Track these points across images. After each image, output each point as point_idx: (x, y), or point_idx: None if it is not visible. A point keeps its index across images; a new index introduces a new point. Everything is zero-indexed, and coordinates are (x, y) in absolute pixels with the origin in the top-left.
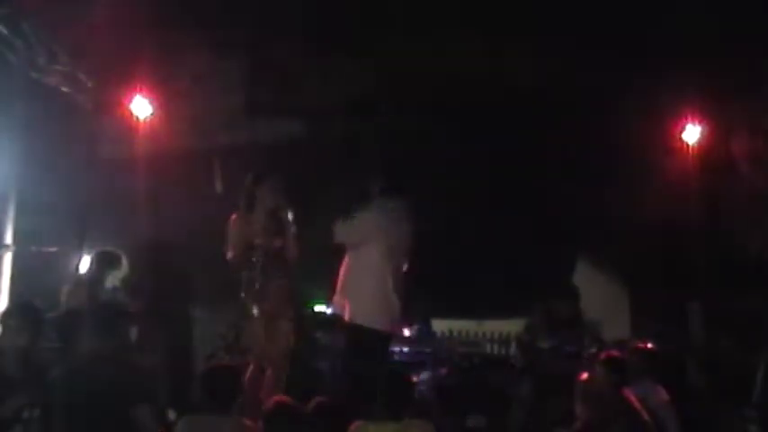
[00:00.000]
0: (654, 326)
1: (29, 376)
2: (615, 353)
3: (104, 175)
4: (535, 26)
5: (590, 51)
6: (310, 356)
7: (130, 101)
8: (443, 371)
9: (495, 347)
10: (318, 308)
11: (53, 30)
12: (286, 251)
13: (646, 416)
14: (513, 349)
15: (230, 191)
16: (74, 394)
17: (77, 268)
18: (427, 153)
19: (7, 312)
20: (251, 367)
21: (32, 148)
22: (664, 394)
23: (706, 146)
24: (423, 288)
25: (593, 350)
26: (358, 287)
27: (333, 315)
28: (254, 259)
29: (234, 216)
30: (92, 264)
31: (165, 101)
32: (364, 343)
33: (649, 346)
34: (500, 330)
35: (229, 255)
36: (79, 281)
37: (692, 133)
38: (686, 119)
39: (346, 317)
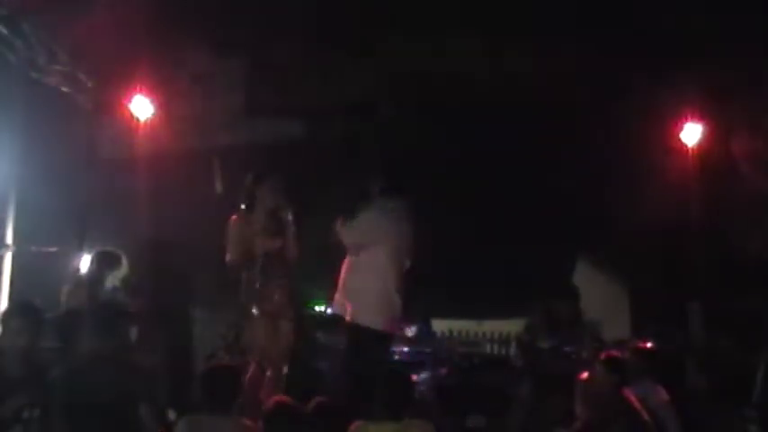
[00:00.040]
0: (654, 326)
1: (29, 376)
2: (615, 353)
3: (104, 175)
4: (535, 26)
5: (590, 51)
6: (310, 356)
7: (130, 101)
8: (443, 371)
9: (495, 347)
10: (318, 308)
11: (53, 30)
12: (286, 251)
13: (646, 416)
14: (513, 349)
15: (230, 191)
16: (74, 394)
17: (77, 268)
18: (427, 153)
19: (7, 312)
20: (251, 367)
21: (32, 149)
22: (664, 394)
23: (706, 146)
24: (423, 288)
25: (593, 350)
26: (361, 288)
27: (333, 315)
28: (254, 260)
29: (234, 216)
30: (92, 264)
31: (165, 101)
32: (366, 343)
33: (649, 346)
34: (500, 330)
35: (228, 257)
36: (79, 281)
37: (692, 133)
38: (686, 119)
39: (348, 317)
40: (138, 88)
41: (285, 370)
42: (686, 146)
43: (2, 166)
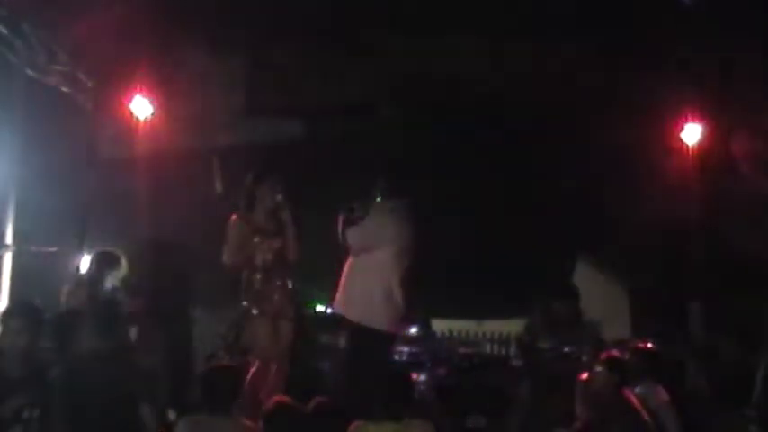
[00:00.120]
0: (654, 326)
1: (29, 376)
2: (615, 353)
3: (104, 175)
4: (535, 26)
5: (590, 51)
6: (310, 356)
7: (130, 101)
8: (443, 371)
9: (495, 347)
10: (318, 308)
11: (53, 30)
12: (286, 251)
13: (646, 416)
14: (513, 349)
15: (230, 191)
16: (74, 394)
17: (77, 268)
18: (427, 153)
19: (7, 312)
20: (251, 367)
21: (32, 149)
22: (664, 394)
23: (706, 146)
24: (423, 288)
25: (593, 350)
26: (365, 288)
27: (333, 315)
28: (253, 260)
29: (234, 217)
30: (92, 264)
31: (165, 101)
32: (370, 343)
33: (649, 346)
34: (500, 330)
35: (225, 257)
36: (79, 281)
37: (692, 133)
38: (686, 119)
39: (352, 318)
40: (138, 88)
41: (285, 370)
42: (686, 146)
43: (2, 166)
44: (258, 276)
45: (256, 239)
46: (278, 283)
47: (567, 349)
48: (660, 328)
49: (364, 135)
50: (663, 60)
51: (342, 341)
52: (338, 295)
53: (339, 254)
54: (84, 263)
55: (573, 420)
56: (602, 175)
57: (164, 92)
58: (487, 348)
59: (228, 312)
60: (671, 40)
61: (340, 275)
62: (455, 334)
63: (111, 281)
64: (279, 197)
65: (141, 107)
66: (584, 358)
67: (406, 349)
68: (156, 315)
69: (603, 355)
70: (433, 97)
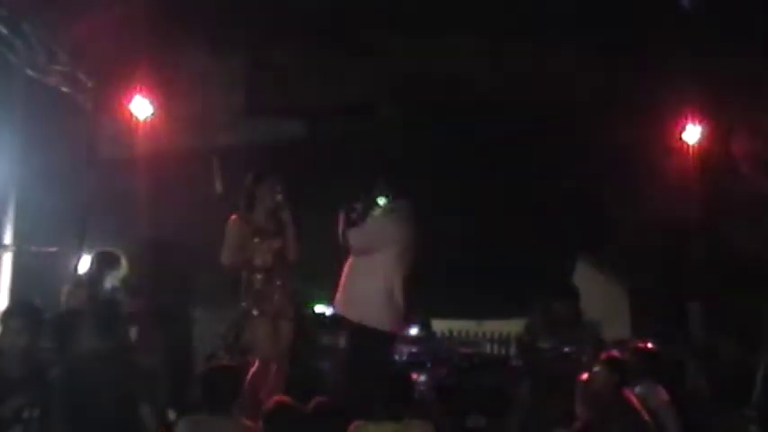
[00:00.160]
0: (654, 326)
1: (29, 376)
2: (615, 353)
3: (104, 175)
4: (535, 26)
5: (590, 51)
6: (310, 356)
7: (130, 101)
8: (443, 371)
9: (495, 347)
10: (318, 308)
11: (53, 30)
12: (286, 251)
13: (646, 416)
14: (513, 349)
15: (230, 191)
16: (74, 394)
17: (77, 268)
18: (427, 153)
19: (7, 312)
20: (251, 367)
21: (32, 149)
22: (664, 394)
23: (706, 146)
24: (423, 288)
25: (593, 350)
26: (368, 289)
27: (334, 315)
28: (254, 260)
29: (233, 217)
30: (92, 264)
31: (165, 101)
32: (372, 344)
33: (649, 346)
34: (500, 330)
35: (224, 257)
36: (79, 281)
37: (692, 133)
38: (686, 119)
39: (352, 318)
40: (138, 88)
41: (285, 370)
42: (686, 146)
43: (2, 166)
44: (258, 276)
45: (256, 240)
46: (278, 283)
47: (566, 349)
48: (660, 328)
49: (364, 135)
50: (663, 60)
51: (342, 341)
52: (338, 295)
53: (339, 254)
54: (84, 263)
55: (573, 420)
56: (602, 175)
57: (164, 92)
58: (487, 348)
59: (228, 312)
60: (671, 40)
61: (340, 275)
62: (455, 334)
63: (111, 281)
64: (279, 197)
65: (141, 107)
66: (584, 358)
67: (406, 349)
68: (156, 315)
69: (603, 355)
70: (433, 97)
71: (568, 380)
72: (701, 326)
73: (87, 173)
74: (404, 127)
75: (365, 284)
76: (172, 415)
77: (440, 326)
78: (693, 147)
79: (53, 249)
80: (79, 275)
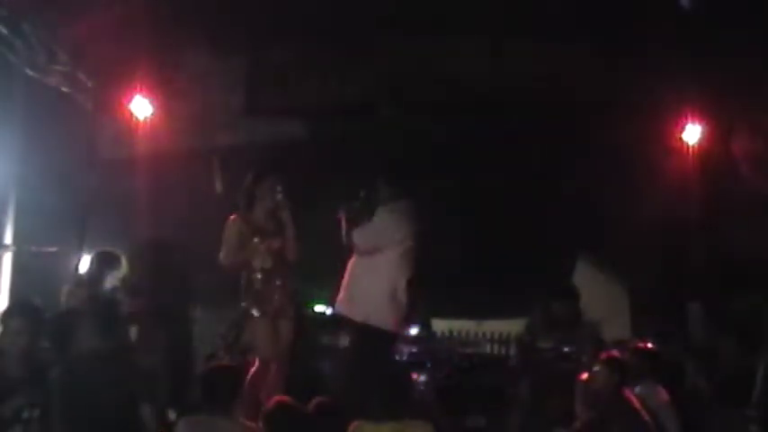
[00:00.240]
0: (654, 326)
1: (29, 376)
2: (615, 353)
3: (104, 176)
4: (535, 26)
5: (590, 51)
6: (310, 356)
7: (130, 101)
8: (443, 371)
9: (495, 347)
10: (318, 308)
11: (53, 30)
12: (286, 251)
13: (646, 416)
14: (513, 349)
15: (230, 191)
16: (74, 394)
17: (77, 268)
18: (427, 153)
19: (7, 312)
20: (251, 367)
21: (32, 149)
22: (664, 394)
23: (706, 146)
24: (423, 288)
25: (593, 350)
26: (372, 288)
27: (334, 315)
28: (253, 260)
29: (233, 216)
30: (92, 264)
31: (165, 101)
32: (375, 343)
33: (649, 346)
34: (500, 330)
35: (222, 257)
36: (79, 281)
37: (691, 133)
38: (686, 119)
39: (355, 317)
40: (138, 88)
41: (285, 370)
42: (686, 146)
43: (2, 166)
44: (258, 276)
45: (256, 239)
46: (278, 283)
47: (566, 349)
48: (660, 328)
49: (364, 135)
50: (663, 60)
51: (342, 341)
52: (341, 295)
53: (339, 254)
54: (84, 263)
55: (573, 420)
56: (602, 174)
57: (164, 92)
58: (487, 348)
59: (228, 312)
60: (671, 40)
61: (340, 275)
62: (455, 334)
63: (111, 281)
64: (279, 197)
65: (141, 107)
66: (584, 358)
67: (406, 349)
68: (156, 315)
69: (603, 355)
70: (433, 97)
71: (568, 380)
72: (701, 326)
73: (87, 173)
74: (404, 127)
75: (369, 284)
76: (172, 415)
77: (440, 326)
78: (693, 147)
79: (53, 249)
80: (79, 275)
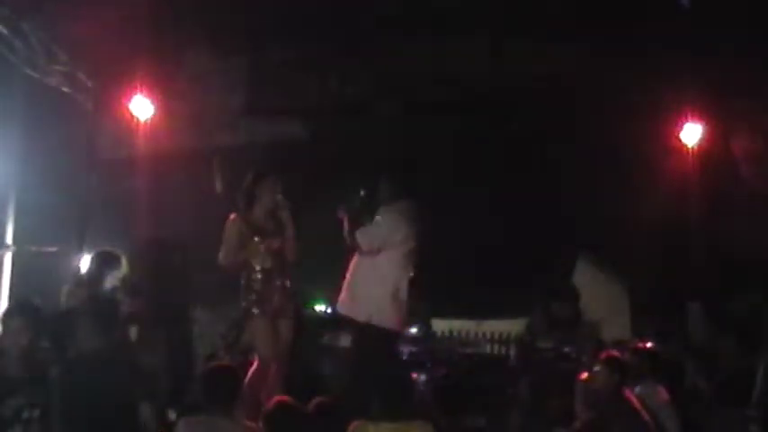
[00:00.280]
0: (654, 326)
1: (29, 376)
2: (615, 353)
3: (104, 176)
4: (535, 26)
5: (589, 50)
6: (310, 356)
7: (130, 101)
8: (443, 371)
9: (495, 347)
10: (318, 308)
11: (53, 30)
12: (286, 251)
13: (646, 416)
14: (513, 349)
15: (230, 191)
16: (74, 394)
17: (77, 268)
18: (426, 153)
19: (8, 312)
20: (251, 367)
21: (32, 149)
22: (664, 394)
23: (706, 146)
24: (423, 288)
25: (593, 350)
26: (372, 288)
27: (334, 315)
28: (253, 260)
29: (233, 216)
30: (92, 264)
31: (165, 101)
32: (378, 342)
33: (649, 346)
34: (500, 330)
35: (221, 257)
36: (79, 281)
37: (691, 133)
38: (686, 118)
39: (358, 317)
40: (138, 88)
41: (285, 370)
42: (686, 146)
43: (2, 166)
44: (258, 276)
45: (256, 239)
46: (278, 283)
47: (566, 349)
48: (660, 327)
49: (364, 135)
50: (662, 60)
51: (342, 341)
52: (343, 295)
53: (339, 254)
54: (84, 263)
55: (573, 420)
56: (603, 174)
57: (164, 92)
58: (487, 348)
59: (228, 312)
60: (671, 40)
61: (340, 275)
62: (455, 334)
63: (111, 281)
64: (278, 196)
65: (141, 107)
66: (584, 358)
67: (406, 349)
68: (156, 315)
69: (603, 355)
70: (432, 97)
71: (568, 380)
72: (701, 326)
73: (87, 173)
74: (404, 127)
75: (372, 284)
76: (172, 415)
77: (440, 326)
78: (693, 147)
79: (53, 249)
80: (79, 275)
